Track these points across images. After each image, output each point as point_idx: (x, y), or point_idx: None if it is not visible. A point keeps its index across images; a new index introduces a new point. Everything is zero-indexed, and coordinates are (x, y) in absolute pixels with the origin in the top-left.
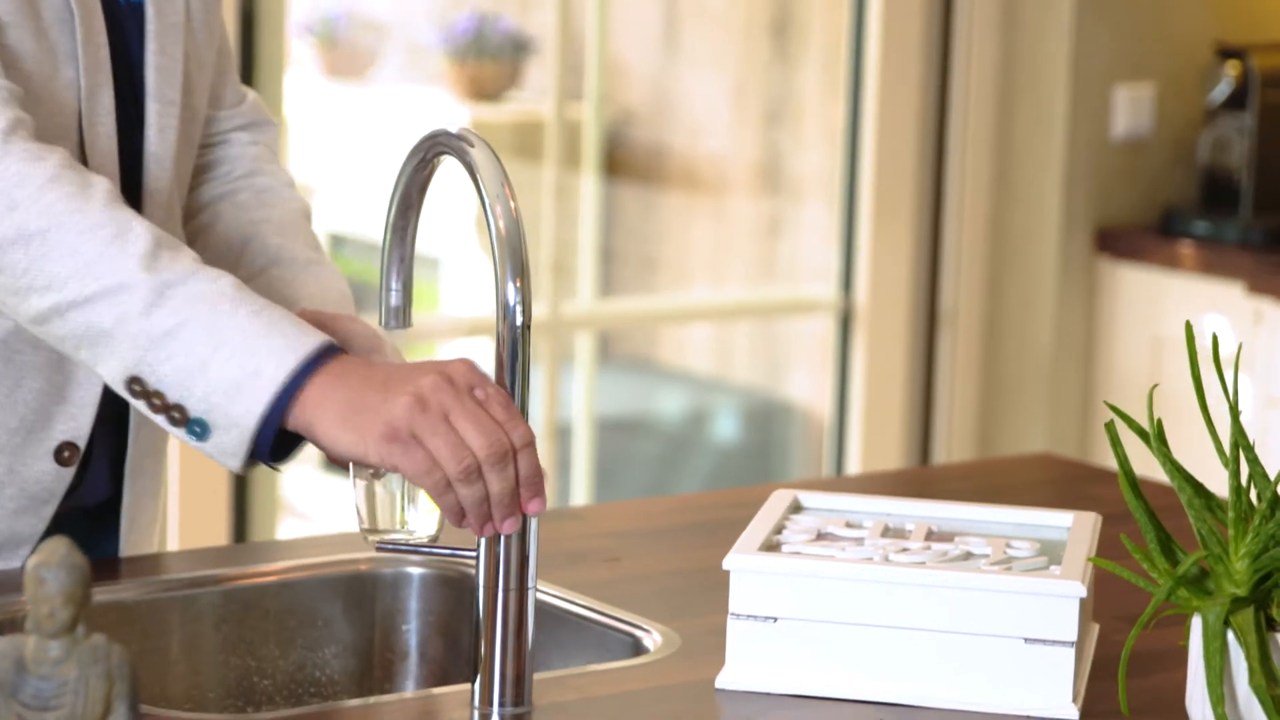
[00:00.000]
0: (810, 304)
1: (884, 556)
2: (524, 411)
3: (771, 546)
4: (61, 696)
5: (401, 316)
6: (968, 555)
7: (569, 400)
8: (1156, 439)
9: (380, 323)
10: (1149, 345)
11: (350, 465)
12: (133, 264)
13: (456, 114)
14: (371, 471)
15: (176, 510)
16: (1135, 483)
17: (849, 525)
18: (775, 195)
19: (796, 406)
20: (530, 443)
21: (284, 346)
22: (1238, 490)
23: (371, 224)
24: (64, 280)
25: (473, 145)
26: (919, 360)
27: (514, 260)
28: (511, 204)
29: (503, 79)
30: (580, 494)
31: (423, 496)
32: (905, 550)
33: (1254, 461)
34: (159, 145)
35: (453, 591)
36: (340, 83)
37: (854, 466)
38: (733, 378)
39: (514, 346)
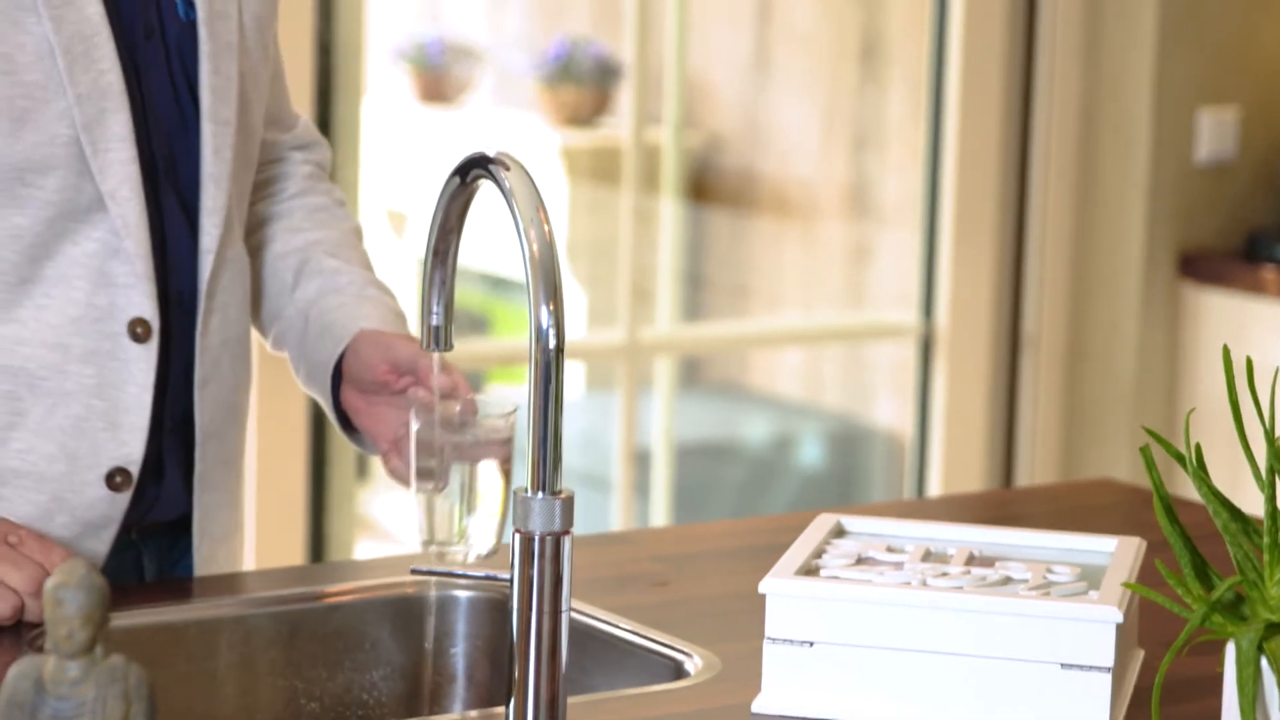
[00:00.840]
0: (893, 329)
1: (922, 581)
2: (558, 437)
3: (810, 570)
4: (80, 717)
5: (442, 338)
6: (1007, 580)
7: (649, 425)
8: (1195, 464)
9: (423, 345)
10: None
11: (412, 478)
12: None
13: (547, 139)
14: (432, 485)
15: (253, 528)
16: (1170, 508)
17: (890, 550)
18: (863, 220)
19: (881, 431)
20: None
21: None
22: (1273, 515)
23: (464, 248)
24: None
25: (508, 169)
26: (1001, 385)
27: (547, 284)
28: (545, 228)
29: (593, 104)
30: (659, 519)
31: (481, 508)
32: (945, 575)
33: None
34: (215, 166)
35: (500, 614)
36: (434, 108)
37: (935, 492)
38: (820, 402)
39: (547, 370)
